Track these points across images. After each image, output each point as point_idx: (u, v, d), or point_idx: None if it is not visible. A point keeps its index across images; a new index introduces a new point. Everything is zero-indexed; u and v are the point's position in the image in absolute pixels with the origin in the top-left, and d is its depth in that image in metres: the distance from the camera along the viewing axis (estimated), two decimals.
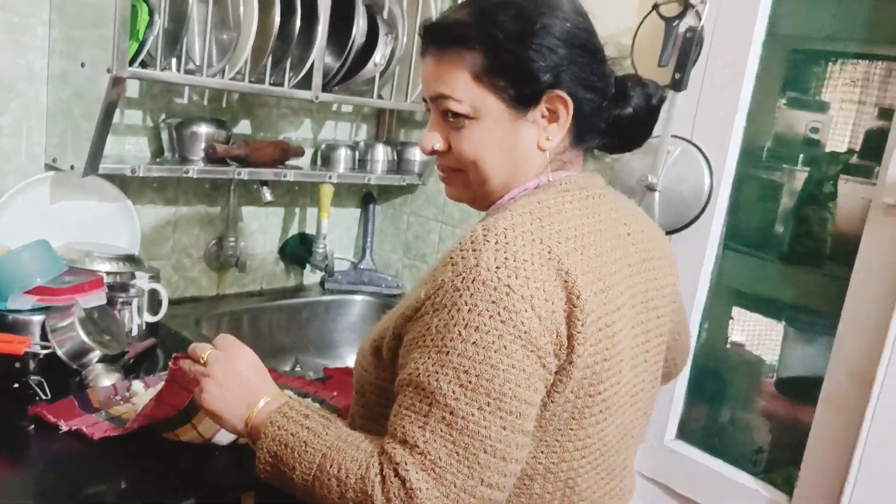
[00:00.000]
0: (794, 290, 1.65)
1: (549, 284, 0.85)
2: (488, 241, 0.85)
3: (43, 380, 1.32)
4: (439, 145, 0.99)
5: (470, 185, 1.01)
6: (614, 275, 0.94)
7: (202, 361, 1.01)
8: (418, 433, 0.82)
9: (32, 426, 1.22)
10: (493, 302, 0.82)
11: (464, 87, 0.94)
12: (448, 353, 0.82)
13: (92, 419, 1.26)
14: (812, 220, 1.58)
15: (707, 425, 1.77)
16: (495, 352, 0.82)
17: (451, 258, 0.86)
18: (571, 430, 0.91)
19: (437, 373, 0.82)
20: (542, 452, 0.91)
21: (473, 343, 0.82)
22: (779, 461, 1.65)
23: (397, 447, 0.83)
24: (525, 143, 0.96)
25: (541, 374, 0.85)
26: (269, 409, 0.95)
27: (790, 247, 1.62)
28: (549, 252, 0.87)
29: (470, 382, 0.82)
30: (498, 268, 0.83)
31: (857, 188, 1.51)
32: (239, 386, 0.98)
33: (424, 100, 1.02)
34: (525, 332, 0.83)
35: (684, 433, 1.73)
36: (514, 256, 0.84)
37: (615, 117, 1.01)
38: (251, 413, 0.97)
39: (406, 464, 0.81)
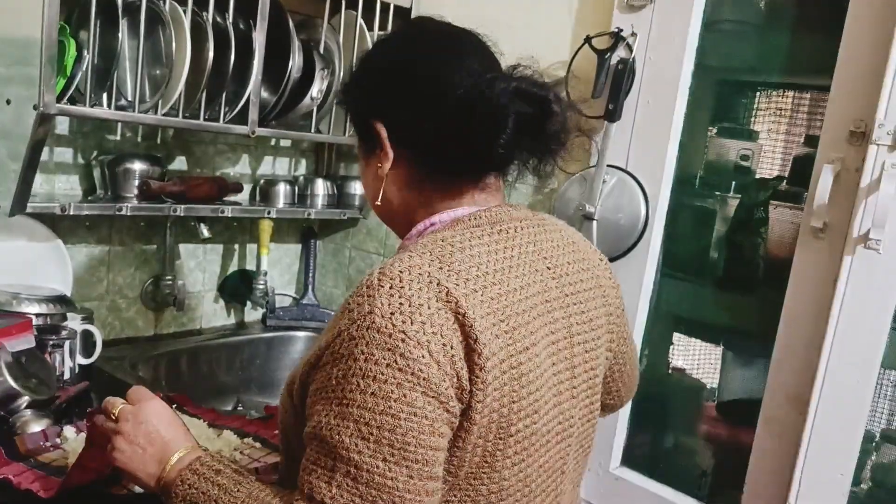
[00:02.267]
0: (730, 314, 1.68)
1: (445, 329, 0.82)
2: (382, 287, 0.83)
3: None
4: None
5: None
6: (525, 313, 0.91)
7: (113, 417, 1.01)
8: (324, 488, 0.80)
9: None
10: (389, 350, 0.80)
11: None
12: (348, 405, 0.80)
13: (20, 467, 1.21)
14: (745, 245, 1.62)
15: (651, 451, 1.78)
16: (395, 401, 0.79)
17: (348, 304, 0.84)
18: (484, 473, 0.89)
19: (338, 426, 0.80)
20: (454, 497, 0.89)
21: (372, 394, 0.79)
22: (722, 484, 1.67)
23: (304, 503, 0.81)
24: (371, 172, 1.02)
25: (445, 418, 0.83)
26: (180, 466, 0.93)
27: (725, 272, 1.66)
28: (446, 295, 0.84)
29: (371, 434, 0.79)
30: (392, 314, 0.81)
31: (786, 213, 1.55)
32: (149, 441, 0.97)
33: None
34: (424, 379, 0.80)
35: (629, 460, 1.74)
36: (408, 301, 0.82)
37: (515, 125, 0.92)
38: (163, 470, 0.95)
39: None
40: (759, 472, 1.49)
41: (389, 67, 0.99)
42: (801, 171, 1.49)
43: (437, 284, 0.84)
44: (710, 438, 1.77)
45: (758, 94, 1.63)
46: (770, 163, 1.61)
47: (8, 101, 1.49)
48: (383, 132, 0.97)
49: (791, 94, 1.58)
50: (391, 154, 0.98)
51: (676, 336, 1.78)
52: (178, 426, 1.01)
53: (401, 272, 0.84)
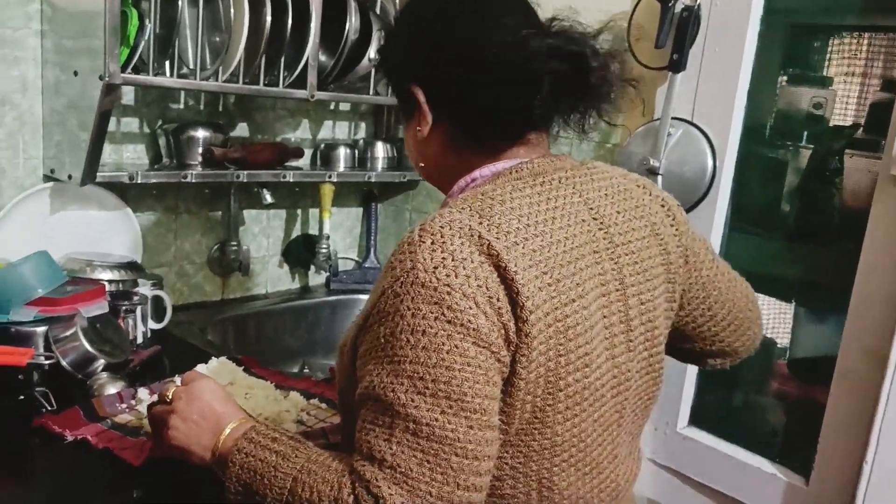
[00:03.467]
0: (802, 268, 1.63)
1: (490, 282, 0.82)
2: (423, 242, 0.82)
3: (48, 391, 1.32)
4: None
5: None
6: (570, 264, 0.89)
7: (168, 400, 1.03)
8: (384, 447, 0.80)
9: (37, 438, 1.21)
10: (436, 303, 0.79)
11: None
12: (399, 361, 0.80)
13: (97, 428, 1.25)
14: (818, 196, 1.56)
15: (720, 410, 1.75)
16: (447, 353, 0.79)
17: (391, 263, 0.84)
18: (535, 429, 0.88)
19: (392, 383, 0.80)
20: (507, 453, 0.88)
21: (423, 348, 0.79)
22: (794, 444, 1.63)
23: (366, 464, 0.81)
24: (412, 135, 1.02)
25: (497, 368, 0.83)
26: (235, 436, 0.94)
27: (797, 225, 1.60)
28: (487, 248, 0.83)
29: (427, 388, 0.79)
30: (436, 268, 0.80)
31: (863, 162, 1.49)
32: (202, 416, 0.99)
33: None
34: (474, 330, 0.80)
35: (697, 419, 1.71)
36: (451, 255, 0.81)
37: (552, 85, 0.90)
38: (217, 442, 0.95)
39: (377, 480, 0.79)
40: (833, 430, 1.45)
41: (424, 30, 0.98)
42: (879, 117, 1.42)
43: (479, 237, 0.83)
44: (781, 397, 1.73)
45: (831, 37, 1.56)
46: (845, 110, 1.54)
47: (75, 73, 1.53)
48: (421, 96, 0.96)
49: (867, 36, 1.51)
50: (430, 117, 0.97)
51: None
52: (230, 400, 1.02)
53: (441, 227, 0.84)
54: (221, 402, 1.01)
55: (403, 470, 0.79)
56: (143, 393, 1.37)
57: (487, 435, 0.82)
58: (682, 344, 1.14)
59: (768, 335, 1.73)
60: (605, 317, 0.93)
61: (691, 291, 1.08)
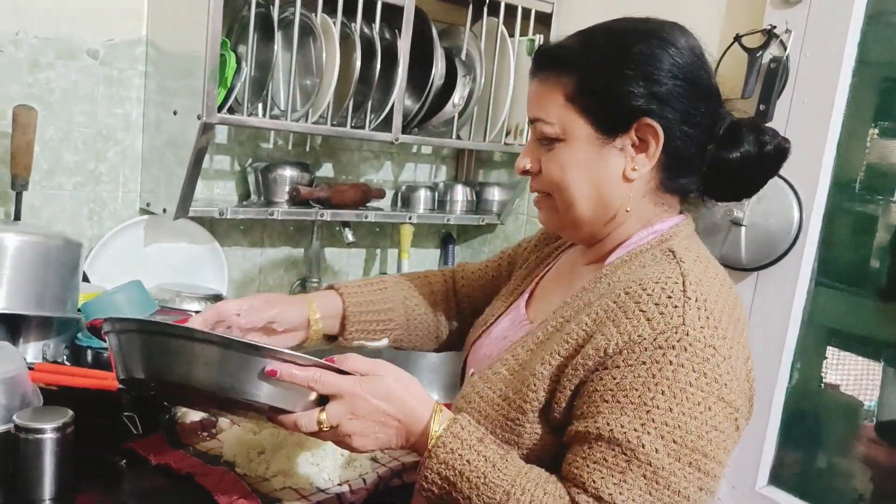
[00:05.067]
0: (892, 328, 1.57)
1: (736, 343, 0.86)
2: (689, 299, 0.85)
3: (135, 415, 1.36)
4: (529, 165, 1.00)
5: (558, 211, 1.00)
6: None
7: (322, 426, 0.88)
8: (614, 489, 0.81)
9: (125, 460, 1.25)
10: (700, 362, 0.82)
11: (556, 109, 0.96)
12: (649, 410, 0.82)
13: (180, 454, 1.28)
14: None
15: (801, 471, 1.69)
16: (700, 412, 0.82)
17: (643, 311, 0.85)
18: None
19: (636, 430, 0.81)
20: None
21: (678, 403, 0.81)
22: None
23: (591, 500, 0.82)
24: (610, 171, 0.95)
25: (734, 438, 0.86)
26: (438, 431, 0.89)
27: (887, 282, 1.54)
28: (731, 310, 0.88)
29: (674, 441, 0.81)
30: (703, 327, 0.83)
31: None
32: (385, 423, 0.89)
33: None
34: (728, 394, 0.83)
35: (777, 479, 1.65)
36: (712, 315, 0.85)
37: (719, 160, 0.97)
38: (412, 441, 0.90)
39: None
40: None
41: (688, 76, 0.94)
42: None
43: (725, 299, 0.89)
44: (867, 460, 1.65)
45: None
46: None
47: (175, 112, 1.61)
48: (662, 133, 0.93)
49: None
50: (656, 158, 0.95)
51: (830, 350, 1.68)
52: (418, 389, 0.92)
53: (695, 283, 0.87)
54: (411, 394, 0.91)
55: None
56: (223, 421, 1.41)
57: (708, 500, 0.84)
58: None
59: (855, 395, 1.67)
60: None
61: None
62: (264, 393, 0.86)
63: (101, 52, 1.65)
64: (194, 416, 1.40)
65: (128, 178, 1.75)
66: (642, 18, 0.98)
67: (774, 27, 1.52)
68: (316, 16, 1.66)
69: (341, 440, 0.89)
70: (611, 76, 0.93)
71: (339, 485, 1.24)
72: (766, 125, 1.00)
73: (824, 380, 1.70)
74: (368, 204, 2.02)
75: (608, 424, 0.82)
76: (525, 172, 1.01)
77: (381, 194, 2.03)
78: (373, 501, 1.23)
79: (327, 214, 1.88)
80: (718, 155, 0.97)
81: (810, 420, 1.71)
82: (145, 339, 0.90)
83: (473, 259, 2.36)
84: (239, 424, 1.05)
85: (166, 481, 1.21)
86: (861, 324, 1.62)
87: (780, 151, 0.98)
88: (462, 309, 1.36)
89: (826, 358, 1.68)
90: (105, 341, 1.04)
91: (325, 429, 0.87)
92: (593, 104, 0.94)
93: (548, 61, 0.98)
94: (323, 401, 0.89)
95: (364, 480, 1.26)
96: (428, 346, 1.37)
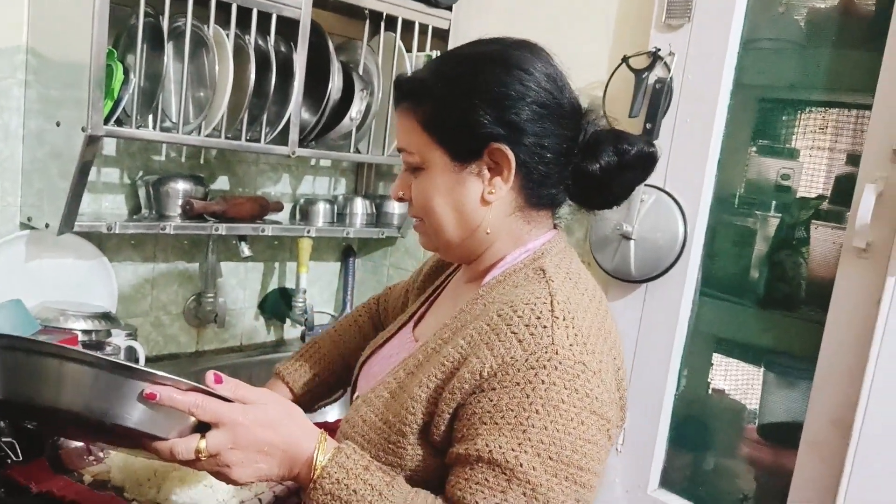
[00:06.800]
0: (771, 335, 1.66)
1: (605, 356, 0.90)
2: (557, 318, 0.87)
3: (14, 441, 1.30)
4: (402, 193, 1.04)
5: (430, 234, 1.04)
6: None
7: (201, 455, 0.84)
8: None
9: (3, 488, 1.19)
10: (571, 379, 0.84)
11: (416, 139, 0.99)
12: (525, 430, 0.83)
13: (64, 481, 1.23)
14: (786, 265, 1.59)
15: (690, 473, 1.75)
16: (574, 428, 0.84)
17: (515, 332, 0.87)
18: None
19: (514, 450, 0.83)
20: None
21: (552, 420, 0.83)
22: None
23: None
24: (469, 195, 0.98)
25: (607, 447, 0.89)
26: (321, 456, 0.87)
27: (766, 292, 1.63)
28: (600, 323, 0.92)
29: (551, 458, 0.83)
30: (572, 345, 0.86)
31: (828, 233, 1.53)
32: (273, 445, 0.87)
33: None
34: (599, 406, 0.86)
35: (667, 482, 1.71)
36: (580, 332, 0.87)
37: (581, 171, 1.00)
38: (295, 472, 0.88)
39: None
40: (801, 495, 1.46)
41: (536, 99, 0.96)
42: (843, 190, 1.47)
43: (594, 314, 0.93)
44: (750, 461, 1.73)
45: (798, 112, 1.61)
46: (811, 182, 1.59)
47: (58, 124, 1.54)
48: (512, 157, 0.95)
49: (833, 112, 1.56)
50: (511, 181, 0.97)
51: (716, 357, 1.75)
52: (300, 417, 0.91)
53: (564, 302, 0.89)
54: (295, 423, 0.89)
55: None
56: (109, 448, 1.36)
57: None
58: None
59: (739, 399, 1.75)
60: None
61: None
62: (138, 418, 0.82)
63: None
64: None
65: (6, 192, 1.66)
66: (495, 40, 1.01)
67: (659, 49, 1.58)
68: (208, 27, 1.62)
69: (219, 470, 0.85)
70: (459, 106, 0.95)
71: None
72: (630, 133, 1.02)
73: (711, 385, 1.78)
74: (266, 217, 1.99)
75: (487, 446, 0.84)
76: (400, 199, 1.05)
77: (278, 207, 2.01)
78: None
79: (223, 228, 1.84)
80: (580, 167, 1.00)
81: (698, 424, 1.78)
82: (8, 356, 0.83)
83: (375, 272, 2.36)
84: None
85: None
86: (743, 331, 1.70)
87: (644, 157, 1.00)
88: None
89: (713, 365, 1.76)
90: None
91: (203, 458, 0.84)
92: (445, 134, 0.97)
93: (403, 93, 1.01)
94: (201, 428, 0.86)
95: (259, 500, 1.24)
96: None
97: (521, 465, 0.82)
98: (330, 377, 1.33)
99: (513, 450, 0.83)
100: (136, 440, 0.85)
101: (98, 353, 0.83)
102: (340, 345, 1.37)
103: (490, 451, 0.83)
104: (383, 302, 1.43)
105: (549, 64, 0.99)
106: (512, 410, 0.84)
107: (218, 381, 0.88)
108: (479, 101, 0.94)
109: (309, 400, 1.32)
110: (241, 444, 0.85)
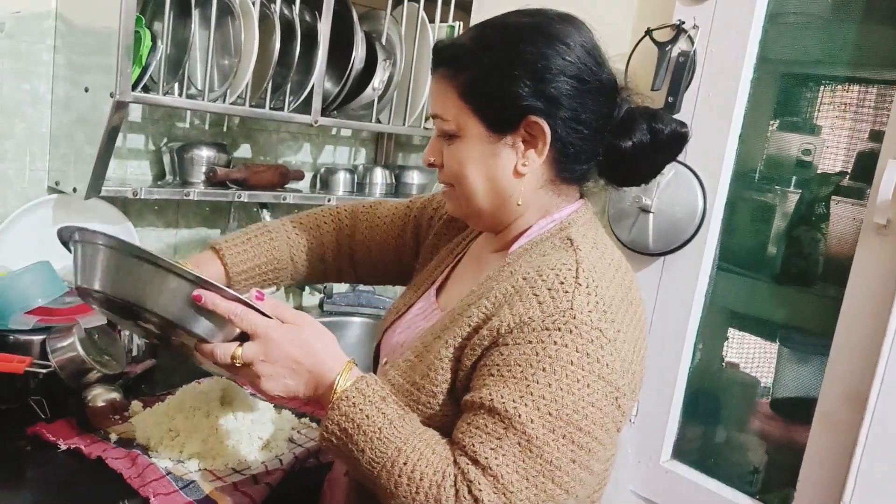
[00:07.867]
0: (787, 310, 1.66)
1: (627, 325, 0.91)
2: (580, 285, 0.89)
3: (42, 399, 1.33)
4: (433, 159, 1.05)
5: (460, 202, 1.05)
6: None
7: (237, 363, 0.94)
8: (490, 454, 0.84)
9: (30, 446, 1.23)
10: (584, 343, 0.86)
11: (451, 106, 0.99)
12: (529, 384, 0.85)
13: (91, 438, 1.27)
14: (804, 240, 1.60)
15: (702, 445, 1.77)
16: (578, 389, 0.85)
17: (536, 295, 0.89)
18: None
19: (514, 401, 0.85)
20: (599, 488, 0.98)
21: (557, 379, 0.85)
22: (775, 481, 1.66)
23: (469, 464, 0.85)
24: (503, 166, 0.99)
25: (615, 416, 0.89)
26: (344, 385, 0.92)
27: (783, 267, 1.64)
28: (623, 294, 0.93)
29: (550, 414, 0.84)
30: (591, 311, 0.87)
31: (848, 209, 1.53)
32: (299, 363, 0.93)
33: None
34: (609, 373, 0.87)
35: (679, 453, 1.73)
36: (602, 299, 0.89)
37: (614, 148, 1.00)
38: (318, 392, 0.94)
39: (479, 484, 0.83)
40: (812, 470, 1.47)
41: (577, 74, 0.96)
42: (865, 166, 1.47)
43: (619, 285, 0.94)
44: (763, 435, 1.75)
45: (822, 87, 1.60)
46: (833, 158, 1.58)
47: (86, 89, 1.56)
48: (548, 131, 0.96)
49: (856, 88, 1.55)
50: (545, 155, 0.98)
51: (731, 331, 1.77)
52: (330, 341, 0.97)
53: (589, 269, 0.91)
54: (325, 348, 0.95)
55: (505, 482, 0.83)
56: (136, 405, 1.40)
57: (584, 476, 0.88)
58: None
59: (752, 373, 1.76)
60: None
61: None
62: (189, 319, 0.94)
63: (7, 24, 1.59)
64: (105, 398, 1.38)
65: (35, 156, 1.69)
66: (537, 11, 1.00)
67: (683, 22, 1.58)
68: None
69: (251, 380, 0.94)
70: (499, 77, 0.96)
71: (256, 465, 1.25)
72: (664, 112, 1.03)
73: (725, 359, 1.79)
74: (287, 186, 2.01)
75: (490, 395, 0.86)
76: (431, 165, 1.06)
77: (299, 176, 2.02)
78: (289, 481, 1.24)
79: (244, 196, 1.86)
80: (613, 143, 1.00)
81: (712, 397, 1.79)
82: (108, 253, 1.00)
83: None
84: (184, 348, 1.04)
85: (77, 466, 1.19)
86: (758, 306, 1.71)
87: (676, 137, 1.01)
88: (355, 253, 1.36)
89: (727, 339, 1.77)
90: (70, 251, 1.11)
91: (237, 364, 0.93)
92: (483, 104, 0.97)
93: (443, 59, 1.01)
94: (243, 340, 0.95)
95: (280, 461, 1.27)
96: (312, 283, 1.41)
97: (520, 416, 0.84)
98: (270, 273, 1.30)
99: (513, 401, 0.85)
100: (188, 339, 0.98)
101: (167, 258, 0.98)
102: (293, 245, 1.33)
103: (492, 399, 0.86)
104: (364, 227, 1.36)
105: (590, 39, 0.99)
106: (519, 365, 0.86)
107: (260, 298, 0.96)
108: (521, 72, 0.94)
109: (240, 285, 1.27)
110: (271, 358, 0.92)
